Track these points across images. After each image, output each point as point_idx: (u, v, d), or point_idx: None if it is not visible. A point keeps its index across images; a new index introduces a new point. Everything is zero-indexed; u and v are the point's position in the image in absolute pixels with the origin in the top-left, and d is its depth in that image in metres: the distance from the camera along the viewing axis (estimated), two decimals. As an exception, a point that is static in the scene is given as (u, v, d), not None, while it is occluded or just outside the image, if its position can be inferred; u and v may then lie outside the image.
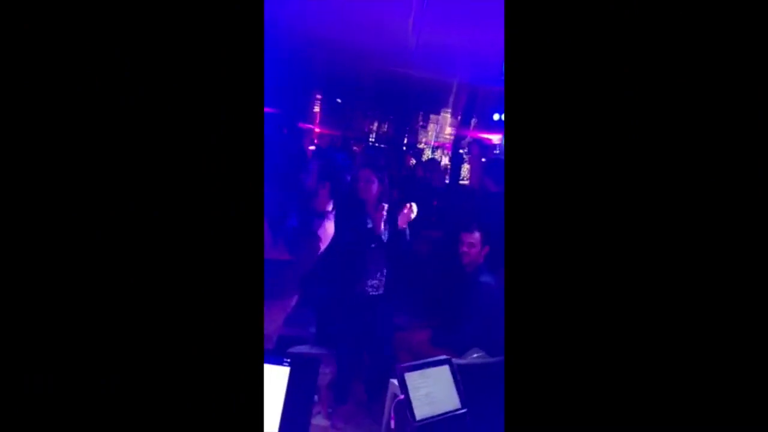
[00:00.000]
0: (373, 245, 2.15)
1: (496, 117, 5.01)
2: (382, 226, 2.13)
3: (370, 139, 9.28)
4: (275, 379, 1.42)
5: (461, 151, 6.20)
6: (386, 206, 2.12)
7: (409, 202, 2.18)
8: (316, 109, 8.84)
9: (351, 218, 2.16)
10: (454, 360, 1.41)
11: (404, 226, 2.16)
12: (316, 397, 2.09)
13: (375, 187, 2.16)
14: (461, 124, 6.49)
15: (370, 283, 2.17)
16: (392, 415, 1.28)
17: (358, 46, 3.96)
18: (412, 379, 1.28)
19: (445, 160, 7.33)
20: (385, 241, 2.16)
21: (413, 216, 2.16)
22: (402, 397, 1.25)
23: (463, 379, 1.36)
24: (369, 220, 2.15)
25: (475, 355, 2.04)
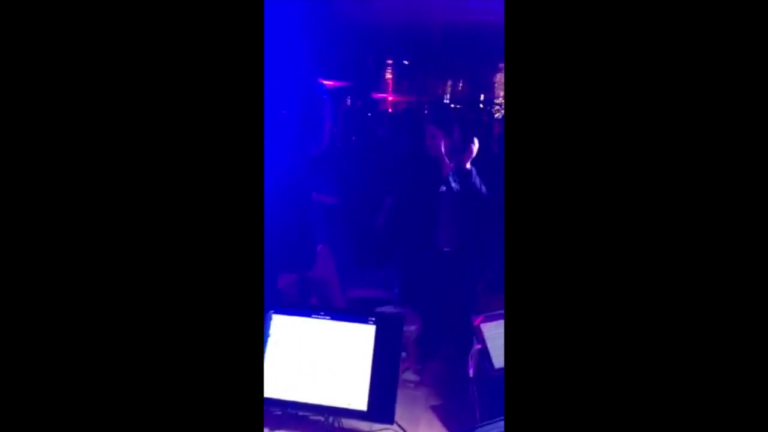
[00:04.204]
0: (443, 188, 2.16)
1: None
2: (453, 175, 2.13)
3: (445, 100, 9.05)
4: (362, 337, 1.51)
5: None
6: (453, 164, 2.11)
7: (473, 138, 2.15)
8: (388, 76, 8.78)
9: (423, 175, 2.18)
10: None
11: (468, 166, 2.14)
12: (404, 354, 2.16)
13: (441, 142, 2.14)
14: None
15: (444, 237, 2.19)
16: (471, 364, 1.30)
17: (419, 4, 3.84)
18: (489, 329, 1.29)
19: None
20: (456, 191, 2.16)
21: (475, 152, 2.12)
22: (480, 346, 1.26)
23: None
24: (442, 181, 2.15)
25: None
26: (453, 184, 2.17)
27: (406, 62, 8.34)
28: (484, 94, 9.04)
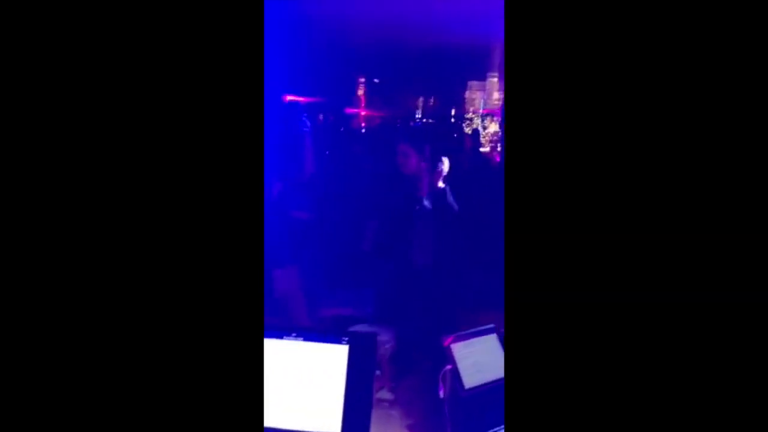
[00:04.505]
0: (417, 207, 2.19)
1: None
2: (425, 193, 2.16)
3: (417, 116, 9.19)
4: (335, 358, 1.51)
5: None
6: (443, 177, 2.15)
7: (441, 157, 2.19)
8: (360, 92, 8.87)
9: (396, 191, 2.22)
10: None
11: (441, 185, 2.18)
12: (378, 372, 2.17)
13: (414, 160, 2.18)
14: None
15: (419, 255, 2.22)
16: (441, 385, 1.32)
17: (390, 22, 3.93)
18: (458, 349, 1.31)
19: (494, 128, 7.15)
20: (429, 208, 2.19)
21: (446, 170, 2.16)
22: (450, 367, 1.29)
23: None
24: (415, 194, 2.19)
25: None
26: (425, 202, 2.21)
27: (376, 80, 8.48)
28: (454, 109, 9.23)
